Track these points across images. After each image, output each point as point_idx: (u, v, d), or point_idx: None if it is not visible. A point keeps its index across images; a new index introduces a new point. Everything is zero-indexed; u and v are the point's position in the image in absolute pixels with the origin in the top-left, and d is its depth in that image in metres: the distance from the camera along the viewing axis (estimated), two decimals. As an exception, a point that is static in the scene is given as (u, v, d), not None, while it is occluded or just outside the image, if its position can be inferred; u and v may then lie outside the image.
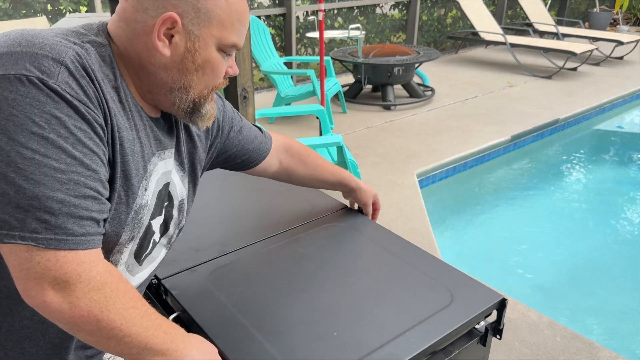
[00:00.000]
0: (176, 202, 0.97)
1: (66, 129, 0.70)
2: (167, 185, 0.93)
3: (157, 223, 0.93)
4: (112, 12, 2.46)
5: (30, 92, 0.68)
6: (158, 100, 0.88)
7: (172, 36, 0.81)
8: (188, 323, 0.97)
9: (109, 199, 0.79)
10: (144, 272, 0.95)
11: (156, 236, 0.93)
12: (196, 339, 0.84)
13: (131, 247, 0.88)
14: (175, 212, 0.97)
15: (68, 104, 0.70)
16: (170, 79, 0.84)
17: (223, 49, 0.85)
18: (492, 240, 3.35)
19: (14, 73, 0.69)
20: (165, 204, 0.94)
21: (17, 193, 0.66)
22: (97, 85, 0.76)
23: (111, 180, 0.79)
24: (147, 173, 0.86)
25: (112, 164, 0.78)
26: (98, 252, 0.74)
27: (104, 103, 0.77)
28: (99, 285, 0.71)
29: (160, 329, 0.77)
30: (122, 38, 0.83)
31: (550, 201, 3.89)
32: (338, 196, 1.51)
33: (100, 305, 0.71)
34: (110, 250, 0.84)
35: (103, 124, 0.76)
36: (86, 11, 4.68)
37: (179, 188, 0.98)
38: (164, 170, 0.91)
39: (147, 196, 0.86)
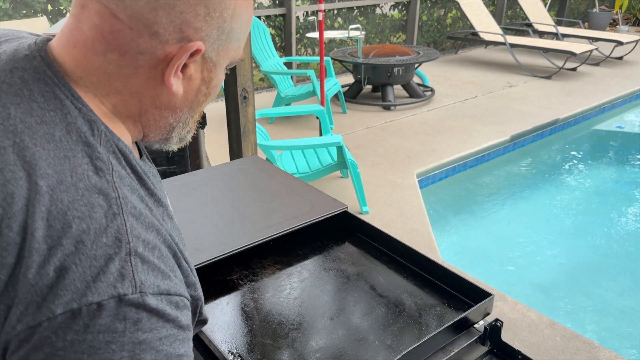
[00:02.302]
0: None
1: (152, 350, 0.50)
2: None
3: None
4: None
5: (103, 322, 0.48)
6: (147, 141, 0.68)
7: (186, 66, 0.59)
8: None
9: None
10: None
11: None
12: None
13: None
14: None
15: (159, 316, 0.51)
16: (177, 119, 0.64)
17: (229, 66, 0.66)
18: (491, 240, 3.35)
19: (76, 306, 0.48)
20: None
21: None
22: (160, 228, 0.55)
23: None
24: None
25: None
26: None
27: (173, 247, 0.57)
28: None
29: None
30: (111, 76, 0.57)
31: (549, 201, 3.90)
32: (339, 196, 1.52)
33: None
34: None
35: (185, 292, 0.56)
36: (86, 11, 4.68)
37: None
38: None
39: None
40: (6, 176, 0.50)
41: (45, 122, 0.53)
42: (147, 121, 0.62)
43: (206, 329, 0.93)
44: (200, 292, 0.62)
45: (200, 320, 0.66)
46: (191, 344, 0.57)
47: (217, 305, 1.01)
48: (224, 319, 0.97)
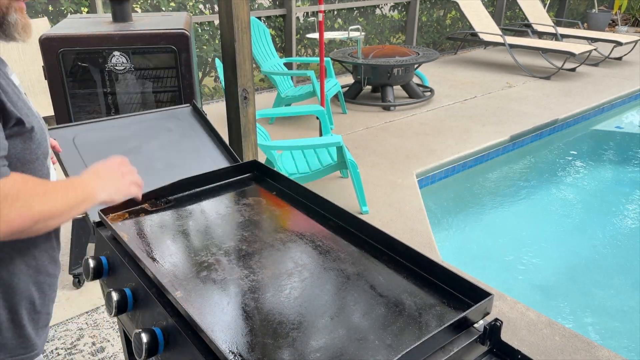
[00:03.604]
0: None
1: None
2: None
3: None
4: (113, 12, 2.47)
5: None
6: None
7: None
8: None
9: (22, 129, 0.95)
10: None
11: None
12: (93, 171, 1.08)
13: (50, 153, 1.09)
14: None
15: None
16: None
17: None
18: (491, 240, 3.36)
19: None
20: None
21: None
22: None
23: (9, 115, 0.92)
24: (19, 88, 1.00)
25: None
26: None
27: None
28: (15, 195, 0.85)
29: (71, 189, 0.98)
30: None
31: (549, 201, 3.90)
32: (339, 196, 1.52)
33: (26, 207, 0.86)
34: (46, 153, 1.03)
35: None
36: (87, 12, 4.69)
37: None
38: (18, 83, 1.04)
39: (33, 107, 1.02)
40: None
41: None
42: None
43: (207, 328, 0.93)
44: None
45: (18, 122, 0.93)
46: None
47: (217, 305, 1.02)
48: (224, 318, 0.98)
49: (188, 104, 1.82)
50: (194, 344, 0.93)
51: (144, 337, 0.98)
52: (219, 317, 0.98)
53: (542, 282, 2.90)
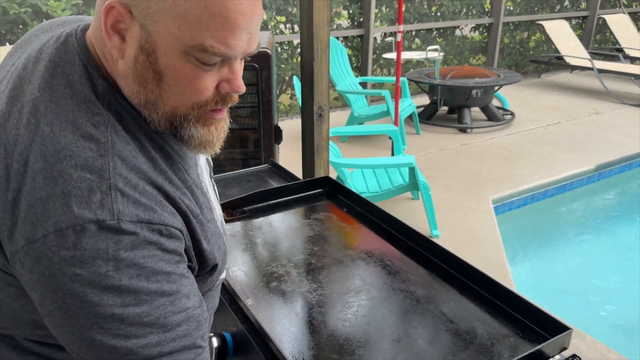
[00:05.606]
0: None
1: (136, 266, 0.61)
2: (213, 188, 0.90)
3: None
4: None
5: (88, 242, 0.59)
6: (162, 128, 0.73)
7: (120, 27, 0.64)
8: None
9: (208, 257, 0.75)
10: None
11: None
12: None
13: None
14: None
15: (131, 235, 0.61)
16: (132, 92, 0.67)
17: (193, 54, 0.64)
18: (571, 274, 3.17)
19: (63, 226, 0.59)
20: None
21: (110, 354, 0.61)
22: (151, 173, 0.66)
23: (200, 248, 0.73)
24: (209, 200, 0.80)
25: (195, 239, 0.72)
26: None
27: (165, 189, 0.67)
28: None
29: None
30: (99, 41, 0.69)
31: (635, 236, 3.63)
32: (409, 218, 1.50)
33: None
34: (222, 278, 0.89)
35: (175, 224, 0.66)
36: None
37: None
38: (209, 184, 0.87)
39: (217, 212, 0.84)
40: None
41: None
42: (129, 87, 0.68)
43: (275, 337, 0.95)
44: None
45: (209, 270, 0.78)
46: (183, 266, 0.67)
47: (286, 316, 1.03)
48: (292, 329, 0.99)
49: (267, 164, 1.90)
50: (262, 352, 0.95)
51: (215, 342, 1.02)
52: (287, 327, 1.00)
53: (625, 321, 2.69)
